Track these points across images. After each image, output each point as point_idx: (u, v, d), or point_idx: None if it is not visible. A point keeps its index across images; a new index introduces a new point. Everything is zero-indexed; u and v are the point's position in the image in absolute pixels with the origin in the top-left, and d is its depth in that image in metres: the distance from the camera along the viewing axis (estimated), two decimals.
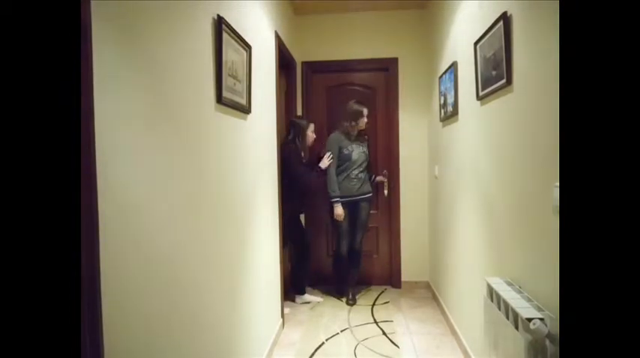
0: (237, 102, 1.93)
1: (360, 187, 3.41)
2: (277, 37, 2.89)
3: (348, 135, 3.40)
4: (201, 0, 1.53)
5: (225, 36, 1.71)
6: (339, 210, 3.31)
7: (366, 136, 3.52)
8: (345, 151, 3.38)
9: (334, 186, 3.32)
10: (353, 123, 3.36)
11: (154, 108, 1.19)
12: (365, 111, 3.38)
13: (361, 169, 3.41)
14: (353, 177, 3.38)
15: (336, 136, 3.41)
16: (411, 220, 3.80)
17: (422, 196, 3.78)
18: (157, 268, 1.20)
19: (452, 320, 2.84)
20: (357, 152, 3.38)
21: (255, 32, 2.30)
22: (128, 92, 1.06)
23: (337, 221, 3.35)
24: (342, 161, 3.38)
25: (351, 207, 3.40)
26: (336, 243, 3.46)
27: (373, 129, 3.82)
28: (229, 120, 1.85)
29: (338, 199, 3.32)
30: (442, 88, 3.01)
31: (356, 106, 3.37)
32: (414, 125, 3.76)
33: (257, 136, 2.34)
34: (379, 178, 3.63)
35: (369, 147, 3.51)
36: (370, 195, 3.48)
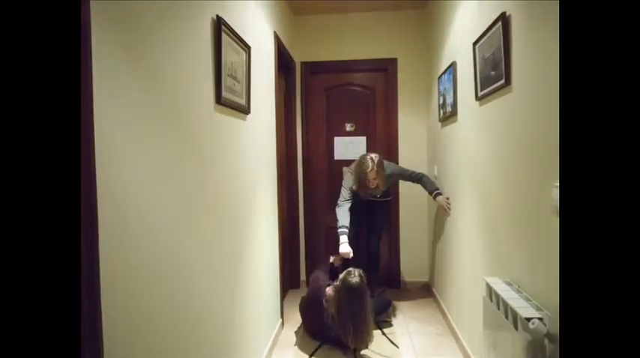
0: (237, 103, 1.93)
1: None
2: (276, 37, 2.89)
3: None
4: (200, 0, 1.53)
5: (224, 36, 1.71)
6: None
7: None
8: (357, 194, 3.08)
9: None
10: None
11: (153, 108, 1.19)
12: (369, 167, 2.83)
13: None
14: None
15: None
16: (410, 220, 3.81)
17: (421, 196, 3.77)
18: (157, 268, 1.20)
19: (451, 320, 2.84)
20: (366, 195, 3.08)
21: (255, 32, 2.30)
22: (127, 92, 1.05)
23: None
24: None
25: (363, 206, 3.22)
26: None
27: (373, 129, 3.83)
28: (229, 120, 1.85)
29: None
30: (441, 89, 3.01)
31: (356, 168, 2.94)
32: (413, 125, 3.76)
33: (256, 136, 2.34)
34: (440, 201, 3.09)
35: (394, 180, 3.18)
36: (387, 199, 3.33)
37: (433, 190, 3.06)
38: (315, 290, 2.63)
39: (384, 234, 3.48)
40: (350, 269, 2.44)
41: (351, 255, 2.81)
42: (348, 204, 2.98)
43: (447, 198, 2.92)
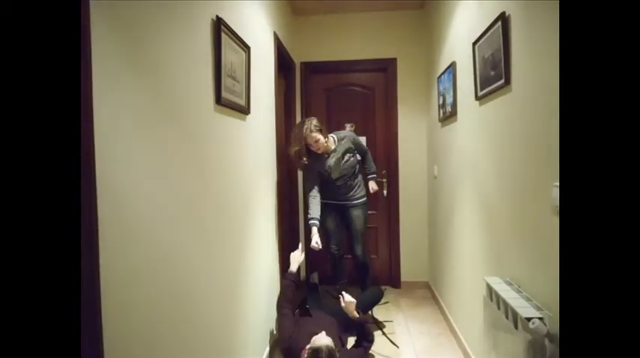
0: (236, 103, 1.93)
1: (348, 193, 3.02)
2: (276, 37, 2.89)
3: (317, 156, 2.86)
4: (200, 1, 1.54)
5: (224, 37, 1.71)
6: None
7: (342, 140, 2.92)
8: (325, 173, 2.92)
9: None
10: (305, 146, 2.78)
11: (153, 108, 1.19)
12: (304, 131, 2.71)
13: (347, 179, 2.99)
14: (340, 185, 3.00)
15: (310, 167, 2.88)
16: (410, 220, 3.81)
17: (421, 196, 3.78)
18: (157, 268, 1.20)
19: (451, 320, 2.84)
20: (337, 169, 2.90)
21: (254, 33, 2.30)
22: (127, 92, 1.05)
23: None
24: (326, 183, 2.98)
25: (340, 211, 3.08)
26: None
27: (373, 129, 3.83)
28: (228, 120, 1.85)
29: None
30: (441, 88, 3.01)
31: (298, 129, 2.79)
32: (413, 125, 3.76)
33: (256, 137, 2.34)
34: (372, 186, 3.18)
35: (354, 147, 2.97)
36: (363, 199, 3.07)
37: (370, 173, 3.15)
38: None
39: (366, 236, 3.21)
40: (317, 347, 1.98)
41: (320, 247, 2.78)
42: (319, 197, 2.89)
43: (375, 187, 3.16)
